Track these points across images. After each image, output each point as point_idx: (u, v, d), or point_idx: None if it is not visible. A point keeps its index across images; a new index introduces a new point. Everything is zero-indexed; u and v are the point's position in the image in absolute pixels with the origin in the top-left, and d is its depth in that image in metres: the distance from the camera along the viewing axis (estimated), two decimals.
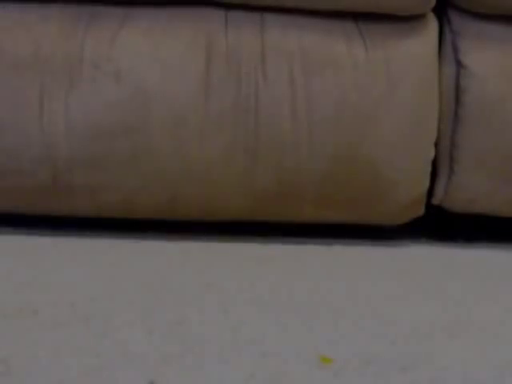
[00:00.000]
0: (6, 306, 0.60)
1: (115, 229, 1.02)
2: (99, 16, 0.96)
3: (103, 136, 0.93)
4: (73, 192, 0.95)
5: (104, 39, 0.94)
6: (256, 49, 0.95)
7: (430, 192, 1.04)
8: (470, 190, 1.02)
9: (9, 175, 0.94)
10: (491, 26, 1.02)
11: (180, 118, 0.93)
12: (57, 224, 1.01)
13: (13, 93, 0.92)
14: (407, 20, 0.98)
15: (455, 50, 1.01)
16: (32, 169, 0.92)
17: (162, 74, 0.93)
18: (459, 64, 1.00)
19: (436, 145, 1.01)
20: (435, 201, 1.04)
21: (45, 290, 0.67)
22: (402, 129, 0.97)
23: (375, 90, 0.95)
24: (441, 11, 1.02)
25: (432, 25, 1.00)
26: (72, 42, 0.93)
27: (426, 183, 1.01)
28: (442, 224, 1.13)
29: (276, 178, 0.96)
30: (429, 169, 1.01)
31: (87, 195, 0.95)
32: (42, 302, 0.62)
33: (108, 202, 0.96)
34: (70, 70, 0.93)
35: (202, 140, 0.93)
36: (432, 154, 1.01)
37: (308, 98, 0.94)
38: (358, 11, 0.97)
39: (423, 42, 0.98)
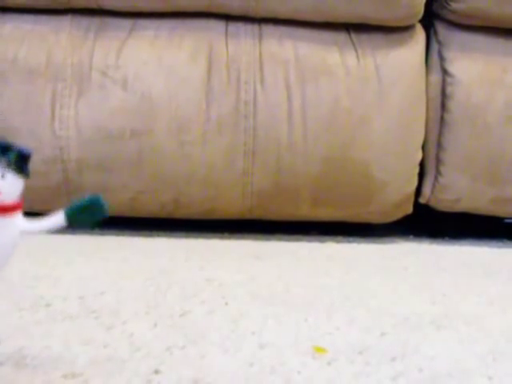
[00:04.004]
0: (20, 300, 0.60)
1: (122, 227, 1.01)
2: (107, 27, 0.95)
3: (111, 139, 0.92)
4: (83, 192, 0.95)
5: (112, 48, 0.94)
6: (254, 57, 0.95)
7: (418, 192, 1.04)
8: (456, 190, 1.02)
9: None
10: (475, 37, 1.02)
11: (183, 122, 0.93)
12: None
13: (26, 99, 0.92)
14: (396, 31, 0.98)
15: (441, 59, 1.01)
16: (44, 170, 0.92)
17: (167, 81, 0.93)
18: (445, 72, 1.00)
19: (423, 147, 1.01)
20: (423, 200, 1.04)
21: (56, 285, 0.67)
22: (391, 132, 0.97)
23: (366, 96, 0.95)
24: (428, 23, 1.02)
25: (419, 35, 1.00)
26: (82, 52, 0.93)
27: (414, 183, 1.01)
28: (429, 221, 1.13)
29: (273, 179, 0.96)
30: (416, 170, 1.01)
31: None
32: (54, 296, 0.62)
33: (115, 202, 0.96)
34: (80, 77, 0.93)
35: (203, 143, 0.93)
36: (419, 156, 1.01)
37: (303, 104, 0.94)
38: (350, 22, 0.97)
39: (411, 51, 0.98)
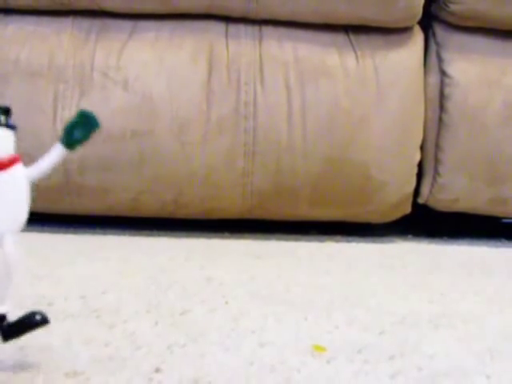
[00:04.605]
0: (22, 299, 0.60)
1: (123, 227, 1.01)
2: (108, 28, 0.95)
3: (112, 140, 0.92)
4: (84, 192, 0.95)
5: (113, 50, 0.94)
6: (254, 59, 0.95)
7: (417, 192, 1.04)
8: (454, 190, 1.02)
9: None
10: (473, 38, 1.02)
11: (184, 123, 0.93)
12: (69, 222, 1.01)
13: (28, 100, 0.92)
14: (395, 32, 0.98)
15: (439, 60, 1.01)
16: None
17: (167, 82, 0.93)
18: (443, 73, 1.00)
19: (422, 148, 1.01)
20: (421, 200, 1.04)
21: (58, 284, 0.67)
22: (390, 133, 0.97)
23: (365, 97, 0.95)
24: (426, 24, 1.02)
25: (418, 37, 1.00)
26: (83, 53, 0.93)
27: (413, 184, 1.01)
28: (427, 221, 1.13)
29: (273, 180, 0.96)
30: (415, 170, 1.01)
31: (97, 195, 0.95)
32: (55, 295, 0.62)
33: (117, 202, 0.96)
34: (82, 78, 0.93)
35: (204, 144, 0.93)
36: (418, 156, 1.01)
37: (303, 105, 0.94)
38: (349, 24, 0.97)
39: (410, 52, 0.98)
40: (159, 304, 0.60)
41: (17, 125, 0.42)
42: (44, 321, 0.43)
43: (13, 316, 0.43)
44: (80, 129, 0.43)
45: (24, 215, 0.42)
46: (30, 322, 0.42)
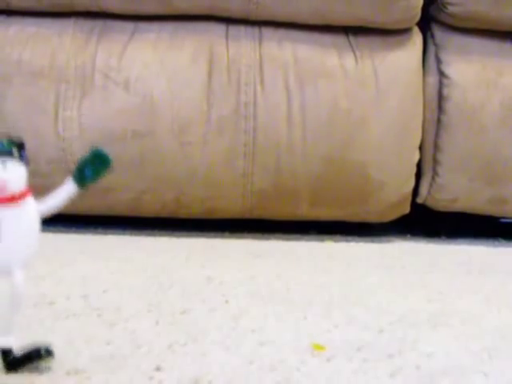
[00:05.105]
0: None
1: (124, 226, 1.01)
2: (110, 29, 0.95)
3: (114, 140, 0.92)
4: (85, 192, 0.95)
5: (114, 51, 0.94)
6: (254, 60, 0.95)
7: (415, 192, 1.04)
8: (452, 190, 1.02)
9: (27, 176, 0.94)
10: (471, 40, 1.02)
11: (184, 123, 0.93)
12: (70, 221, 1.01)
13: (30, 100, 0.92)
14: (394, 33, 0.98)
15: (438, 61, 1.01)
16: (48, 170, 0.92)
17: (168, 83, 0.93)
18: (442, 74, 1.00)
19: (420, 148, 1.01)
20: (420, 200, 1.05)
21: (60, 283, 0.67)
22: (389, 133, 0.97)
23: (364, 98, 0.95)
24: (425, 25, 1.02)
25: (417, 38, 1.00)
26: (85, 54, 0.93)
27: (412, 184, 1.01)
28: (426, 221, 1.13)
29: (273, 180, 0.96)
30: (414, 170, 1.01)
31: (99, 195, 0.95)
32: (57, 294, 0.62)
33: (118, 202, 0.96)
34: (83, 79, 0.93)
35: (204, 144, 0.93)
36: (417, 156, 1.01)
37: (302, 105, 0.94)
38: (348, 25, 0.97)
39: (409, 53, 0.98)
40: (160, 303, 0.60)
41: (28, 158, 0.42)
42: (49, 354, 0.43)
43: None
44: (92, 167, 0.43)
45: (34, 248, 0.42)
46: (36, 356, 0.43)
